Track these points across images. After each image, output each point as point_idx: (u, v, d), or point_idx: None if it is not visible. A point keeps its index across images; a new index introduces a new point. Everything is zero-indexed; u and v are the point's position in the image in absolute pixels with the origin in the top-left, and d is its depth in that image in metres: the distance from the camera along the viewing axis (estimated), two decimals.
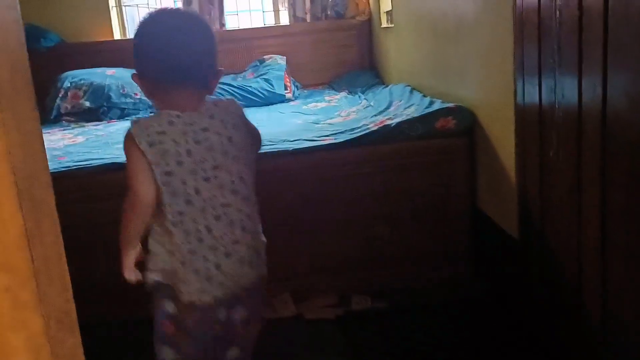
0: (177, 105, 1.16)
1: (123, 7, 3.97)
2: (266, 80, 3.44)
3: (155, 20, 1.20)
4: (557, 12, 1.23)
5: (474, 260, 1.95)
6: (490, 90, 1.77)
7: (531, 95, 1.41)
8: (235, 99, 1.37)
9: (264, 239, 1.31)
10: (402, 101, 2.35)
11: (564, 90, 1.23)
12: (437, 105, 1.98)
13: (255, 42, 3.81)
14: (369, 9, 3.77)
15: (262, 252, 1.29)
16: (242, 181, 1.22)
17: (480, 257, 1.93)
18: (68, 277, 0.62)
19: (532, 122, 1.42)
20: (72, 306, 0.62)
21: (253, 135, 1.30)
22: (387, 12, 3.35)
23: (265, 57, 3.68)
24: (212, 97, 1.26)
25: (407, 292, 1.90)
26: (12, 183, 0.48)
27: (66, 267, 0.62)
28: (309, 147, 1.92)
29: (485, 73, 1.78)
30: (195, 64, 1.17)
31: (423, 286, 1.92)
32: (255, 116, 2.91)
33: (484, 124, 1.83)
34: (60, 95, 3.29)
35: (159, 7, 4.25)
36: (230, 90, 3.41)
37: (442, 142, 1.89)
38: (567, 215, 1.28)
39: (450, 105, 1.92)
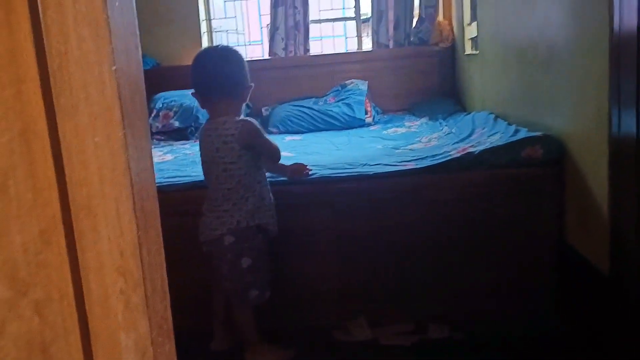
0: (214, 112, 1.70)
1: (214, 33, 4.18)
2: (347, 104, 3.49)
3: (199, 55, 1.73)
4: None
5: (558, 295, 1.86)
6: (582, 119, 1.70)
7: (627, 125, 1.35)
8: (251, 121, 1.71)
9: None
10: (486, 129, 2.30)
11: None
12: (524, 133, 1.93)
13: (337, 67, 3.88)
14: (453, 35, 3.75)
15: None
16: (224, 171, 1.66)
17: (565, 292, 1.84)
18: (167, 286, 0.66)
19: (628, 154, 1.36)
20: (170, 313, 0.66)
21: (257, 148, 1.70)
22: (472, 39, 3.32)
23: (347, 82, 3.73)
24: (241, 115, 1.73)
25: (486, 325, 1.84)
26: (130, 193, 0.52)
27: (165, 276, 0.66)
28: (389, 171, 1.93)
29: (577, 101, 1.72)
30: (219, 83, 1.66)
31: (503, 319, 1.86)
32: (335, 140, 2.96)
33: (574, 154, 1.76)
34: (152, 115, 3.49)
35: (245, 32, 4.44)
36: (311, 114, 3.48)
37: (528, 171, 1.84)
38: None
39: (538, 133, 1.87)
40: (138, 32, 0.61)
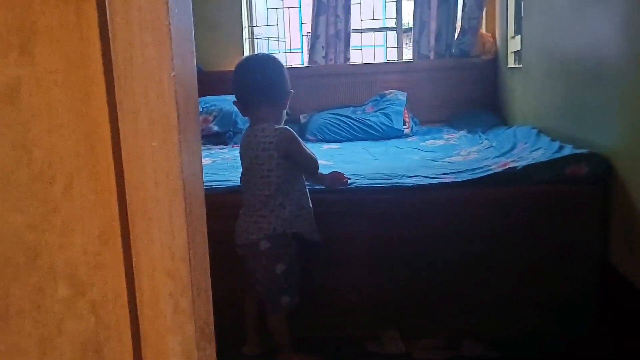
0: (255, 119, 1.71)
1: (255, 40, 4.23)
2: (385, 114, 3.47)
3: (240, 64, 1.76)
4: None
5: (599, 317, 1.80)
6: (630, 137, 1.65)
7: None
8: (289, 130, 1.71)
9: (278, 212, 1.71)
10: (528, 144, 2.26)
11: None
12: (568, 150, 1.89)
13: (377, 76, 3.87)
14: (496, 48, 3.70)
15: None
16: (261, 178, 1.67)
17: (606, 315, 1.78)
18: (210, 291, 0.66)
19: None
20: (212, 318, 0.66)
21: (293, 159, 1.69)
22: (515, 52, 3.27)
23: (386, 92, 3.72)
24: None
25: (523, 344, 1.79)
26: (182, 198, 0.52)
27: (209, 281, 0.66)
28: (428, 184, 1.91)
29: (626, 119, 1.67)
30: (259, 90, 1.68)
31: (540, 339, 1.81)
32: (373, 150, 2.94)
33: (621, 173, 1.71)
34: None
35: (286, 39, 4.48)
36: (349, 123, 3.48)
37: (572, 189, 1.79)
38: None
39: (583, 151, 1.82)
40: (193, 39, 0.61)
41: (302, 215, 1.73)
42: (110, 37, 0.40)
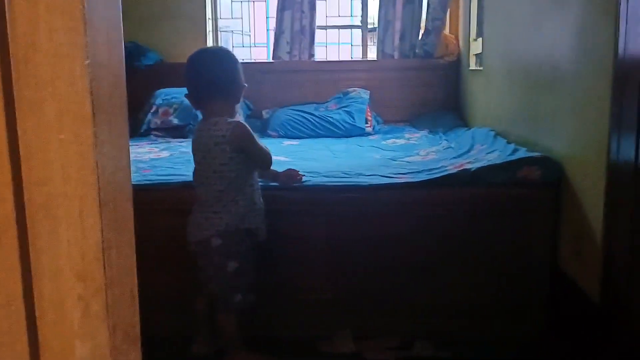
0: (208, 113, 1.67)
1: (219, 32, 4.16)
2: (348, 112, 3.46)
3: (193, 56, 1.69)
4: None
5: (548, 319, 1.83)
6: (581, 142, 1.68)
7: (627, 152, 1.33)
8: (243, 124, 1.67)
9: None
10: (485, 145, 2.28)
11: None
12: (522, 153, 1.91)
13: (341, 74, 3.86)
14: (459, 50, 3.73)
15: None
16: (214, 172, 1.64)
17: (555, 318, 1.81)
18: (137, 290, 0.63)
19: (625, 181, 1.33)
20: (138, 319, 0.63)
21: (242, 150, 1.65)
22: (477, 55, 3.30)
23: (349, 89, 3.71)
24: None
25: (474, 346, 1.81)
26: (96, 194, 0.49)
27: (136, 280, 0.63)
28: (384, 183, 1.90)
29: (578, 125, 1.70)
30: (211, 83, 1.64)
31: (491, 341, 1.83)
32: (334, 147, 2.93)
33: (571, 178, 1.74)
34: (152, 111, 3.47)
35: (251, 33, 4.43)
36: (311, 120, 3.46)
37: (524, 192, 1.81)
38: None
39: (536, 154, 1.84)
40: (122, 26, 0.58)
41: (255, 211, 1.70)
42: (7, 20, 0.37)
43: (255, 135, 1.69)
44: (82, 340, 0.47)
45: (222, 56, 1.72)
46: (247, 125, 1.68)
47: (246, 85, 1.71)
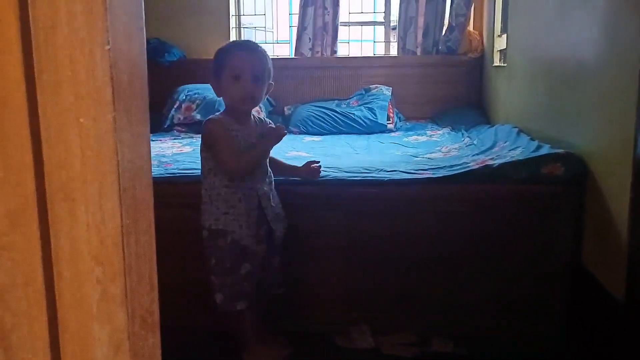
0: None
1: (242, 29, 4.18)
2: (370, 109, 3.45)
3: (229, 44, 1.70)
4: None
5: (569, 318, 1.80)
6: (606, 139, 1.65)
7: None
8: (211, 121, 1.61)
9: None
10: (508, 142, 2.25)
11: None
12: (546, 149, 1.88)
13: (363, 70, 3.85)
14: (482, 46, 3.69)
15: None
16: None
17: (577, 316, 1.78)
18: (156, 278, 0.63)
19: None
20: (157, 306, 0.63)
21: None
22: (501, 51, 3.26)
23: (371, 86, 3.70)
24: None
25: (492, 343, 1.79)
26: (116, 180, 0.50)
27: (155, 268, 0.63)
28: (404, 178, 1.89)
29: (603, 121, 1.66)
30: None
31: (510, 339, 1.81)
32: (355, 144, 2.92)
33: (596, 175, 1.70)
34: (175, 107, 3.50)
35: (273, 30, 4.44)
36: (333, 116, 3.45)
37: (548, 189, 1.79)
38: None
39: (560, 151, 1.81)
40: (143, 15, 0.58)
41: (231, 214, 1.59)
42: (29, 4, 0.38)
43: (225, 137, 1.57)
44: (100, 324, 0.48)
45: (258, 47, 1.66)
46: (219, 122, 1.58)
47: (273, 83, 1.67)
